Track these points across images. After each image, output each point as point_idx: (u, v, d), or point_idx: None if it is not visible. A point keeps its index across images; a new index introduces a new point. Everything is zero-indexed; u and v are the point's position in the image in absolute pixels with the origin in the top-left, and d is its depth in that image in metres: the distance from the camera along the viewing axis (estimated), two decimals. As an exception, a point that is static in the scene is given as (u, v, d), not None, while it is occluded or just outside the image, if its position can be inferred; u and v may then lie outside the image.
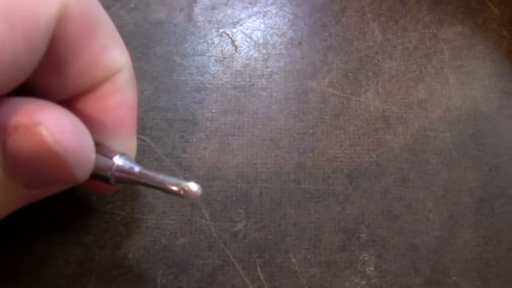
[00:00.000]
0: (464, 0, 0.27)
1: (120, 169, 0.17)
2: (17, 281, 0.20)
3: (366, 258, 0.21)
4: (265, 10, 0.26)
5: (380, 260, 0.21)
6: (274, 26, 0.26)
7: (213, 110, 0.24)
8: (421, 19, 0.26)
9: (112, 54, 0.16)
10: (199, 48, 0.25)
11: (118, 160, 0.17)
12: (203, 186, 0.22)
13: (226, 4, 0.26)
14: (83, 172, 0.15)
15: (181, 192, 0.16)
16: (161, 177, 0.17)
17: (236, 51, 0.25)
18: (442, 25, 0.26)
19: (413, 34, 0.26)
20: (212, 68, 0.25)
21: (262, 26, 0.26)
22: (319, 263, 0.21)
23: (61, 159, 0.14)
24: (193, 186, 0.16)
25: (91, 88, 0.16)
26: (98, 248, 0.21)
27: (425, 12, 0.27)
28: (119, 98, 0.17)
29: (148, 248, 0.21)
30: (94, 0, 0.16)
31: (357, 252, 0.21)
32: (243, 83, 0.24)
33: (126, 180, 0.17)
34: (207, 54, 0.25)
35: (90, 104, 0.17)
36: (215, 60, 0.25)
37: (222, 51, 0.25)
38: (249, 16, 0.26)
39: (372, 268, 0.21)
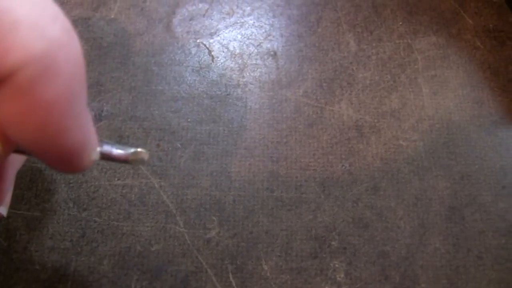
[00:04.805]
0: (439, 11, 0.27)
1: None
2: (-5, 286, 0.20)
3: (336, 265, 0.21)
4: (242, 21, 0.27)
5: (350, 267, 0.21)
6: (250, 37, 0.26)
7: (189, 120, 0.24)
8: (395, 30, 0.27)
9: None
10: (177, 58, 0.26)
11: None
12: (177, 194, 0.22)
13: (204, 15, 0.27)
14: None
15: (129, 159, 0.15)
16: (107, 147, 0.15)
17: (212, 61, 0.26)
18: (416, 36, 0.27)
19: (387, 45, 0.26)
20: (189, 78, 0.25)
21: (239, 36, 0.26)
22: (290, 270, 0.21)
23: None
24: (140, 154, 0.15)
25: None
26: (75, 254, 0.21)
27: (400, 23, 0.27)
28: None
29: (123, 255, 0.21)
30: None
31: (328, 259, 0.22)
32: (219, 92, 0.25)
33: None
34: (184, 64, 0.25)
35: None
36: (192, 70, 0.25)
37: (199, 61, 0.26)
38: (226, 27, 0.27)
39: (342, 275, 0.21)
